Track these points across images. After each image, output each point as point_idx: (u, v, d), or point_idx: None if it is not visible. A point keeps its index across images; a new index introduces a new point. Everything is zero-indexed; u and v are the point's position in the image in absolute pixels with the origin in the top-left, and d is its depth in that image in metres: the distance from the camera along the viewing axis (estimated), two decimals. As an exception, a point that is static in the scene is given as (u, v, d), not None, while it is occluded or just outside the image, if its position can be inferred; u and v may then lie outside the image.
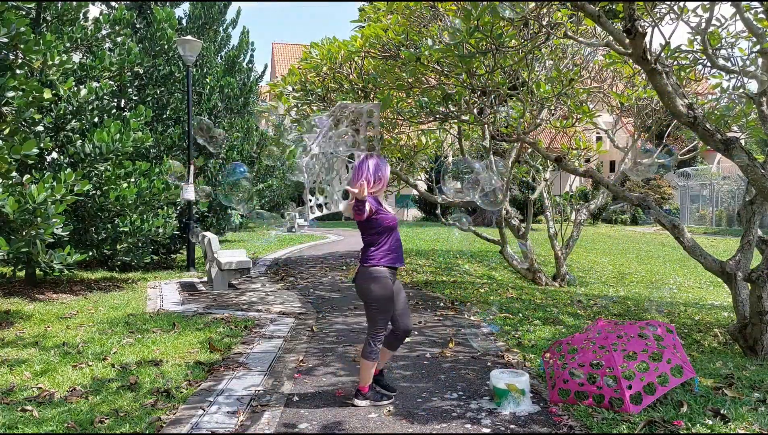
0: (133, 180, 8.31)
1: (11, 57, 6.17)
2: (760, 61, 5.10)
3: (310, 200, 3.82)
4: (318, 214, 3.84)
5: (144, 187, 8.25)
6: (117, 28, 9.17)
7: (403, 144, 9.95)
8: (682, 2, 5.00)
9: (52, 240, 6.50)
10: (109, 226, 8.52)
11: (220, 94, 12.73)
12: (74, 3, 8.36)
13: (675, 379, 3.69)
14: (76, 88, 8.01)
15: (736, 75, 5.46)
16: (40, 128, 7.51)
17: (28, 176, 6.79)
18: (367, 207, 3.54)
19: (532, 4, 5.21)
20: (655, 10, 4.97)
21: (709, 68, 6.03)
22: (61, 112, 7.97)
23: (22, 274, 8.81)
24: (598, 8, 4.43)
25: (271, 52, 37.35)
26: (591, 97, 8.16)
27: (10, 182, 6.02)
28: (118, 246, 8.58)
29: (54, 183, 6.23)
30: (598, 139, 19.96)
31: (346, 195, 3.86)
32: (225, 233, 14.32)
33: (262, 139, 13.38)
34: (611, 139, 9.67)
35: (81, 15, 8.70)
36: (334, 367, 4.71)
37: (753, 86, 5.57)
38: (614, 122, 10.50)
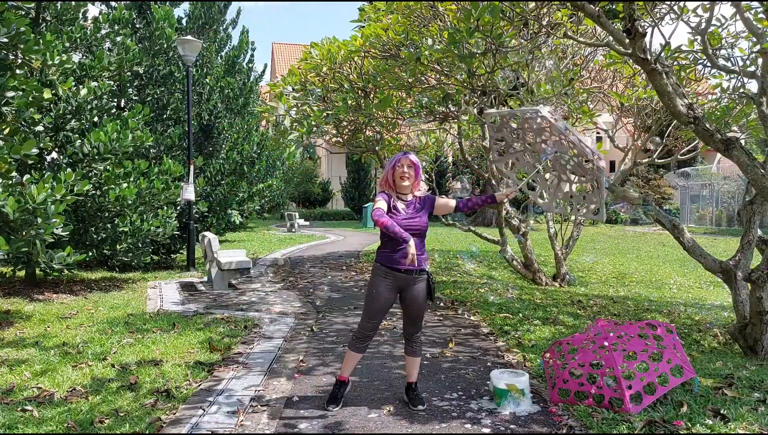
0: (132, 180, 8.30)
1: (11, 57, 6.17)
2: (760, 61, 5.10)
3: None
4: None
5: (143, 187, 8.25)
6: (116, 27, 9.17)
7: (403, 144, 9.96)
8: (682, 2, 5.00)
9: (52, 240, 6.49)
10: (108, 226, 8.52)
11: (220, 95, 12.73)
12: (73, 3, 8.36)
13: (675, 379, 3.69)
14: (75, 88, 8.01)
15: (736, 75, 5.46)
16: (39, 128, 7.51)
17: (28, 176, 6.79)
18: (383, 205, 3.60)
19: (532, 4, 5.21)
20: (655, 10, 4.97)
21: (709, 68, 6.03)
22: (61, 112, 7.97)
23: (22, 274, 8.81)
24: (598, 8, 4.43)
25: (271, 52, 37.35)
26: (591, 97, 8.16)
27: (10, 182, 6.02)
28: (118, 246, 8.57)
29: (54, 183, 6.23)
30: (598, 139, 19.96)
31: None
32: (225, 233, 14.32)
33: (262, 139, 13.37)
34: (611, 139, 9.67)
35: (80, 15, 8.70)
36: (334, 367, 4.71)
37: (753, 86, 5.56)
38: (614, 122, 10.50)
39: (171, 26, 10.20)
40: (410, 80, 6.51)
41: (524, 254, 9.96)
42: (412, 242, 3.46)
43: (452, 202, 3.77)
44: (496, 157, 4.19)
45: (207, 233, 9.69)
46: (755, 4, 4.97)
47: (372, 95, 7.41)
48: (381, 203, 3.58)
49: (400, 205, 3.66)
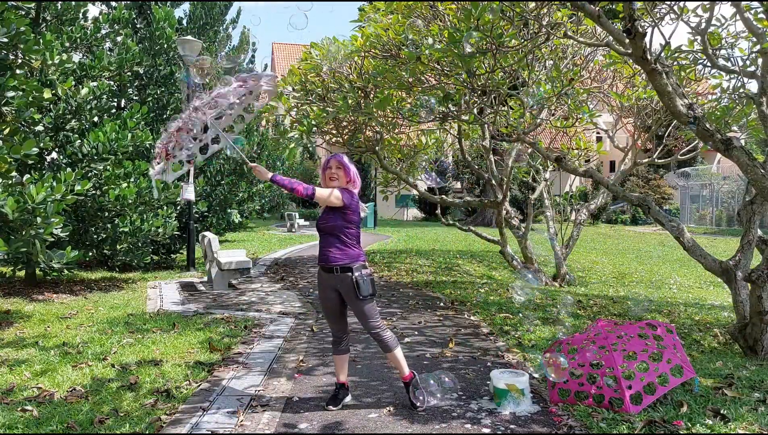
0: (132, 179, 8.30)
1: (11, 57, 6.17)
2: (760, 61, 5.10)
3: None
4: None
5: (143, 187, 8.25)
6: (116, 27, 9.17)
7: (403, 144, 9.96)
8: (682, 2, 5.00)
9: (52, 239, 6.50)
10: (109, 226, 8.52)
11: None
12: (73, 3, 8.36)
13: (675, 379, 3.69)
14: (75, 88, 8.00)
15: (736, 75, 5.46)
16: (39, 128, 7.51)
17: (28, 176, 6.79)
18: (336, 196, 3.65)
19: (532, 4, 5.22)
20: (655, 10, 4.97)
21: (709, 68, 6.03)
22: (61, 112, 7.97)
23: (22, 274, 8.81)
24: (598, 8, 4.43)
25: (271, 52, 37.34)
26: (591, 97, 8.16)
27: (10, 182, 6.02)
28: (118, 246, 8.58)
29: (54, 183, 6.23)
30: (598, 139, 19.96)
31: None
32: (225, 233, 14.31)
33: (262, 139, 13.37)
34: (611, 139, 9.67)
35: (80, 15, 8.70)
36: (333, 367, 4.70)
37: (753, 86, 5.56)
38: (614, 122, 10.50)
39: (171, 26, 10.21)
40: (410, 80, 6.50)
41: (524, 254, 9.96)
42: (257, 166, 3.63)
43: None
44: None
45: (207, 233, 9.69)
46: (755, 4, 4.97)
47: (372, 95, 7.41)
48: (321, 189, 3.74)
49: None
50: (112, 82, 9.21)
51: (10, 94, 5.84)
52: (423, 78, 6.82)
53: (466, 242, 16.32)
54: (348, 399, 3.90)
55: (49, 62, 6.97)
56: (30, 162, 6.67)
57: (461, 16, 5.48)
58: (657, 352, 3.98)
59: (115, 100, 10.11)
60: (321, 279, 3.82)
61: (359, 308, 3.72)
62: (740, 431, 3.17)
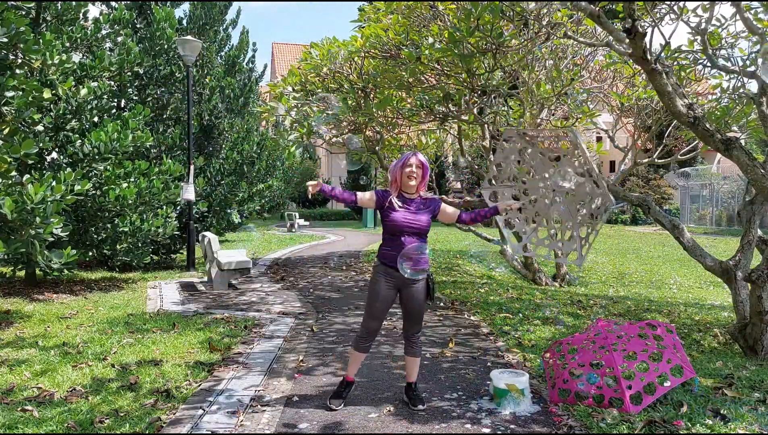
0: (132, 179, 8.30)
1: (11, 57, 6.17)
2: (760, 61, 5.09)
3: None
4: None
5: (143, 187, 8.25)
6: (117, 27, 9.16)
7: (404, 144, 9.96)
8: (682, 2, 5.00)
9: (52, 239, 6.49)
10: (108, 226, 8.51)
11: (221, 95, 12.72)
12: (74, 3, 8.36)
13: (675, 379, 3.69)
14: (75, 88, 8.00)
15: (736, 75, 5.46)
16: (39, 128, 7.50)
17: (28, 176, 6.78)
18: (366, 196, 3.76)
19: (533, 4, 5.22)
20: (655, 10, 4.97)
21: (709, 68, 6.03)
22: (61, 111, 7.97)
23: (22, 274, 8.80)
24: (598, 8, 4.43)
25: (271, 52, 37.36)
26: (591, 97, 8.16)
27: (10, 182, 6.01)
28: (118, 246, 8.57)
29: (53, 183, 6.22)
30: (598, 139, 19.94)
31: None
32: (225, 233, 14.30)
33: (262, 139, 13.37)
34: (611, 139, 9.66)
35: (81, 15, 8.69)
36: (333, 367, 4.71)
37: (753, 86, 5.56)
38: (614, 122, 10.49)
39: (171, 27, 10.21)
40: (410, 80, 6.50)
41: (524, 254, 9.94)
42: (320, 182, 3.63)
43: (457, 213, 3.84)
44: (488, 185, 4.19)
45: (207, 233, 9.69)
46: (755, 4, 4.97)
47: (372, 95, 7.41)
48: (362, 192, 3.79)
49: (398, 202, 3.69)
50: (112, 83, 9.20)
51: (10, 94, 5.83)
52: (423, 78, 6.82)
53: (466, 242, 16.31)
54: (352, 389, 3.93)
55: (49, 62, 6.96)
56: (30, 162, 6.66)
57: (461, 16, 5.48)
58: (657, 352, 3.98)
59: (116, 100, 10.10)
60: (389, 277, 3.67)
61: (422, 310, 3.76)
62: (740, 431, 3.17)
